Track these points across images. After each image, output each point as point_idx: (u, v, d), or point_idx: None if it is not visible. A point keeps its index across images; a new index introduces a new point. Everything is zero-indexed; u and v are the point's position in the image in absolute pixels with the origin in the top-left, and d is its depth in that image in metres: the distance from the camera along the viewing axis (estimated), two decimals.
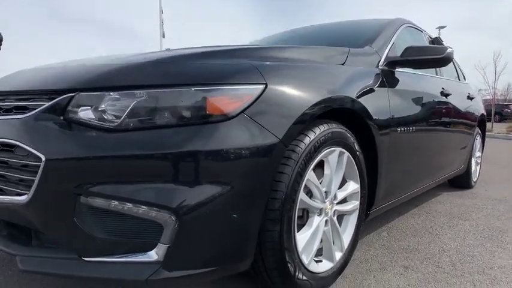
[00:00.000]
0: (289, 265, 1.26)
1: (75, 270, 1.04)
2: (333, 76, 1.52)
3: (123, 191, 1.00)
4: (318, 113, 1.32)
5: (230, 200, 1.06)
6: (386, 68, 1.92)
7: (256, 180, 1.10)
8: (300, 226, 1.40)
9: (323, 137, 1.37)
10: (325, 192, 1.45)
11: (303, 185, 1.29)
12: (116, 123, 1.03)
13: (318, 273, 1.41)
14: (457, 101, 2.90)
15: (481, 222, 2.50)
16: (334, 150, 1.45)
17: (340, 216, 1.63)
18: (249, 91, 1.14)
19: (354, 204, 1.65)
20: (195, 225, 1.03)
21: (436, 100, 2.46)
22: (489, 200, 3.15)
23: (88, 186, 1.01)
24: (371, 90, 1.68)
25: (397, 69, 1.99)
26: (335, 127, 1.44)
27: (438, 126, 2.48)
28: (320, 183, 1.43)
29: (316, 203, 1.39)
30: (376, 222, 2.41)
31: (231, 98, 1.10)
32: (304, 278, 1.33)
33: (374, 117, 1.63)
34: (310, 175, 1.33)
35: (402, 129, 1.89)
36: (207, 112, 1.07)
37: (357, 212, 1.66)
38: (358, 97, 1.55)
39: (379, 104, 1.73)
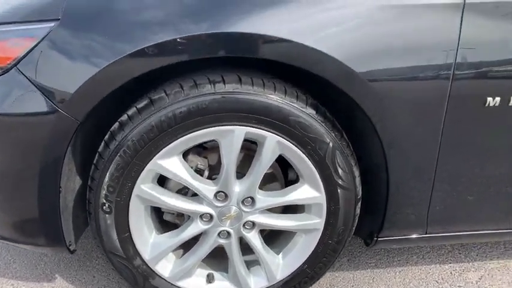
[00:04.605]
0: (123, 270, 0.96)
1: None
2: None
3: None
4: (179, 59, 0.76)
5: None
6: None
7: (26, 161, 0.82)
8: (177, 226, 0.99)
9: (196, 106, 0.80)
10: (221, 192, 0.91)
11: (144, 176, 0.85)
12: None
13: None
14: None
15: None
16: (232, 132, 0.84)
17: (278, 232, 1.03)
18: (30, 32, 0.78)
19: (309, 222, 0.97)
20: None
21: None
22: None
23: None
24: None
25: None
26: (235, 92, 0.80)
27: None
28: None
29: (186, 205, 0.91)
30: None
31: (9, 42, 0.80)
32: None
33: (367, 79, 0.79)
34: (165, 164, 0.84)
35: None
36: None
37: (317, 233, 0.98)
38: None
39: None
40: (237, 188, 0.92)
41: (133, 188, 0.87)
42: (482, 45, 0.81)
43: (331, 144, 0.88)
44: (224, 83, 0.82)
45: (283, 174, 1.06)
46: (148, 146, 0.83)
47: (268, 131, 0.85)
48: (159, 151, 0.84)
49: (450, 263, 1.30)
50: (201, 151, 0.99)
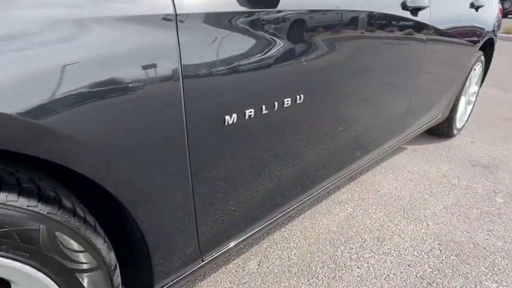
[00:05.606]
0: None
1: None
2: None
3: None
4: None
5: None
6: None
7: None
8: None
9: None
10: None
11: None
12: None
13: None
14: (442, 16, 1.63)
15: (436, 230, 1.53)
16: None
17: None
18: None
19: None
20: None
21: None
22: (468, 167, 2.13)
23: None
24: None
25: None
26: None
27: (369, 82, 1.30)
28: None
29: None
30: None
31: None
32: None
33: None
34: None
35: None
36: None
37: None
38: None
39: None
40: None
41: None
42: (206, 66, 0.69)
43: (44, 228, 0.58)
44: None
45: None
46: None
47: None
48: None
49: (234, 260, 1.32)
50: None
